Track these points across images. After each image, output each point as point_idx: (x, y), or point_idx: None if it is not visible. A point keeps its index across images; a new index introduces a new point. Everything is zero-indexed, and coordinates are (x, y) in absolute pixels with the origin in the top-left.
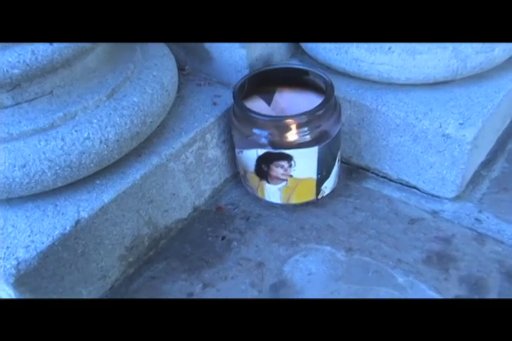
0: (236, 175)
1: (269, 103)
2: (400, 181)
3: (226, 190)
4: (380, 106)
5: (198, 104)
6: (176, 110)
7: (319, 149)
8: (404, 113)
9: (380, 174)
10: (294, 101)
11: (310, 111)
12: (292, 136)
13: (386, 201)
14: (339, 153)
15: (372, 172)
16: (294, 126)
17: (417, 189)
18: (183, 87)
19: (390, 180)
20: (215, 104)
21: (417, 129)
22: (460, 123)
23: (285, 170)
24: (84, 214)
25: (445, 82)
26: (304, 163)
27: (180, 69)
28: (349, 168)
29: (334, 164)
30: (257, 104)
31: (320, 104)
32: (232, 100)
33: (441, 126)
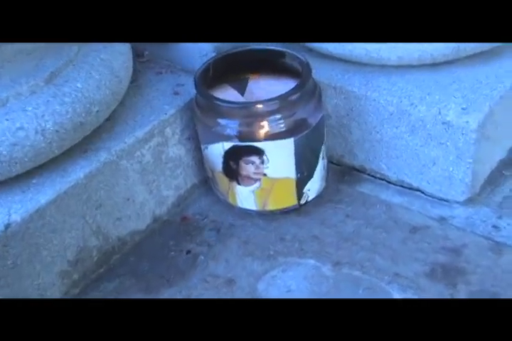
0: (206, 181)
1: (242, 92)
2: (400, 183)
3: (194, 197)
4: (369, 92)
5: (157, 94)
6: (130, 101)
7: (296, 141)
8: (398, 98)
9: (377, 175)
10: (271, 90)
11: (282, 95)
12: (263, 125)
13: (384, 207)
14: (323, 148)
15: (368, 174)
16: (264, 114)
17: (421, 192)
18: (141, 76)
19: (389, 182)
20: (176, 93)
21: (413, 118)
22: (463, 108)
23: (257, 167)
24: (16, 217)
25: (447, 62)
26: (279, 158)
27: (138, 55)
28: (341, 170)
29: (317, 161)
30: (227, 94)
31: (294, 88)
32: (195, 88)
33: (440, 113)
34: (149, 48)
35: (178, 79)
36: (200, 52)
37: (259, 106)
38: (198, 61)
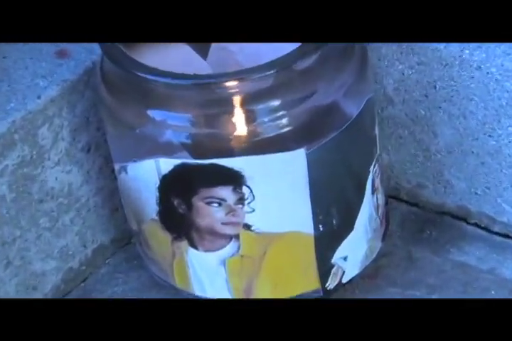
0: (127, 240)
1: (204, 55)
2: None
3: (103, 274)
4: (469, 51)
5: (21, 51)
6: None
7: (311, 155)
8: None
9: (494, 227)
10: (260, 49)
11: (282, 59)
12: (241, 123)
13: (508, 293)
14: (374, 169)
15: (475, 225)
16: (244, 100)
17: None
18: None
19: None
20: (62, 54)
21: None
22: None
23: (230, 210)
24: None
25: None
26: (277, 191)
27: None
28: (418, 216)
29: (361, 198)
30: (173, 59)
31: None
32: (99, 46)
33: None
34: None
35: None
36: None
37: (234, 83)
38: None
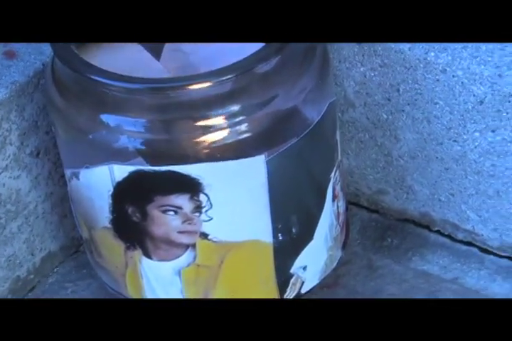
0: (76, 248)
1: (157, 55)
2: (507, 253)
3: (52, 282)
4: (434, 54)
5: None
6: None
7: (271, 162)
8: (494, 68)
9: (458, 236)
10: (212, 53)
11: (244, 61)
12: (199, 128)
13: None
14: (334, 175)
15: (436, 232)
16: (202, 104)
17: None
18: None
19: (484, 251)
20: (9, 55)
21: None
22: None
23: (187, 218)
24: None
25: None
26: (235, 200)
27: None
28: (378, 222)
29: (322, 205)
30: (126, 59)
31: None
32: (51, 46)
33: None
34: None
35: None
36: None
37: (192, 87)
38: None
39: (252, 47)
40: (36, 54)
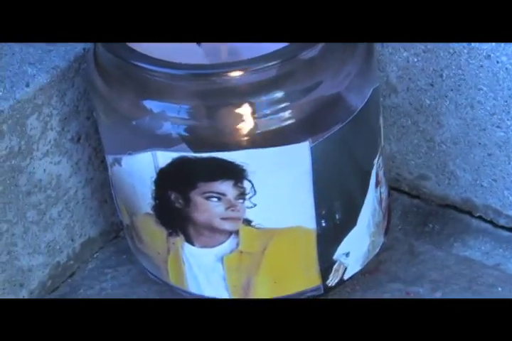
0: (117, 233)
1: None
2: None
3: (92, 268)
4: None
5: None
6: None
7: (315, 148)
8: None
9: (500, 221)
10: None
11: (286, 49)
12: (242, 115)
13: None
14: (377, 161)
15: (479, 218)
16: (245, 91)
17: None
18: None
19: None
20: None
21: None
22: None
23: (230, 205)
24: None
25: None
26: (279, 186)
27: None
28: (419, 207)
29: (365, 192)
30: (171, 48)
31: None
32: None
33: None
34: None
35: None
36: None
37: (237, 73)
38: None
39: None
40: None
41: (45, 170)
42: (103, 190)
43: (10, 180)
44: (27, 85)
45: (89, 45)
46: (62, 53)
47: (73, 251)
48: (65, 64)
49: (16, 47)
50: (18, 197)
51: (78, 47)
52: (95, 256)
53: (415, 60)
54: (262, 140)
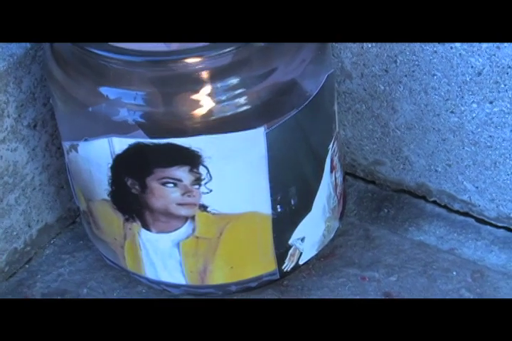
0: (73, 219)
1: None
2: (504, 223)
3: (49, 254)
4: None
5: None
6: None
7: (270, 134)
8: (489, 46)
9: (455, 207)
10: None
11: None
12: (198, 101)
13: (469, 277)
14: (332, 146)
15: (434, 203)
16: (201, 77)
17: None
18: None
19: (481, 222)
20: None
21: None
22: None
23: (186, 191)
24: None
25: None
26: (234, 172)
27: None
28: (376, 194)
29: (320, 177)
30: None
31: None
32: None
33: None
34: None
35: None
36: None
37: (192, 60)
38: None
39: None
40: None
41: (1, 156)
42: (60, 176)
43: None
44: None
45: None
46: None
47: (30, 237)
48: (21, 51)
49: None
50: None
51: None
52: (52, 241)
53: (369, 46)
54: (217, 126)
